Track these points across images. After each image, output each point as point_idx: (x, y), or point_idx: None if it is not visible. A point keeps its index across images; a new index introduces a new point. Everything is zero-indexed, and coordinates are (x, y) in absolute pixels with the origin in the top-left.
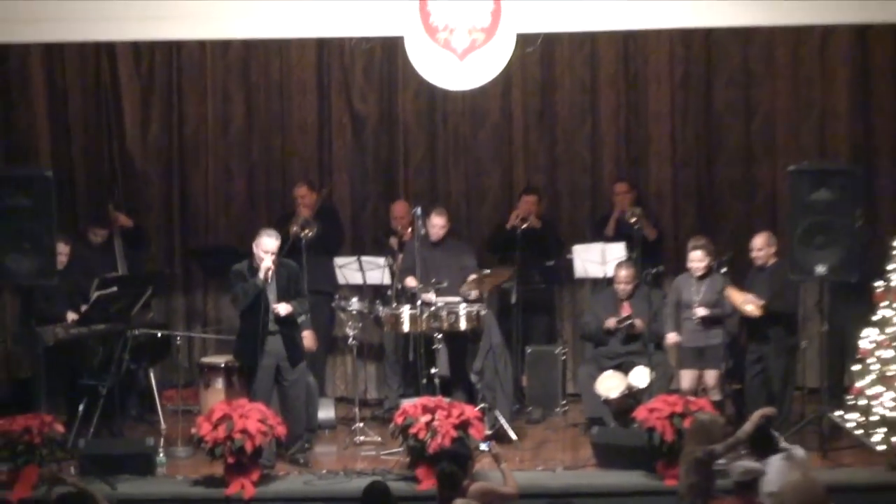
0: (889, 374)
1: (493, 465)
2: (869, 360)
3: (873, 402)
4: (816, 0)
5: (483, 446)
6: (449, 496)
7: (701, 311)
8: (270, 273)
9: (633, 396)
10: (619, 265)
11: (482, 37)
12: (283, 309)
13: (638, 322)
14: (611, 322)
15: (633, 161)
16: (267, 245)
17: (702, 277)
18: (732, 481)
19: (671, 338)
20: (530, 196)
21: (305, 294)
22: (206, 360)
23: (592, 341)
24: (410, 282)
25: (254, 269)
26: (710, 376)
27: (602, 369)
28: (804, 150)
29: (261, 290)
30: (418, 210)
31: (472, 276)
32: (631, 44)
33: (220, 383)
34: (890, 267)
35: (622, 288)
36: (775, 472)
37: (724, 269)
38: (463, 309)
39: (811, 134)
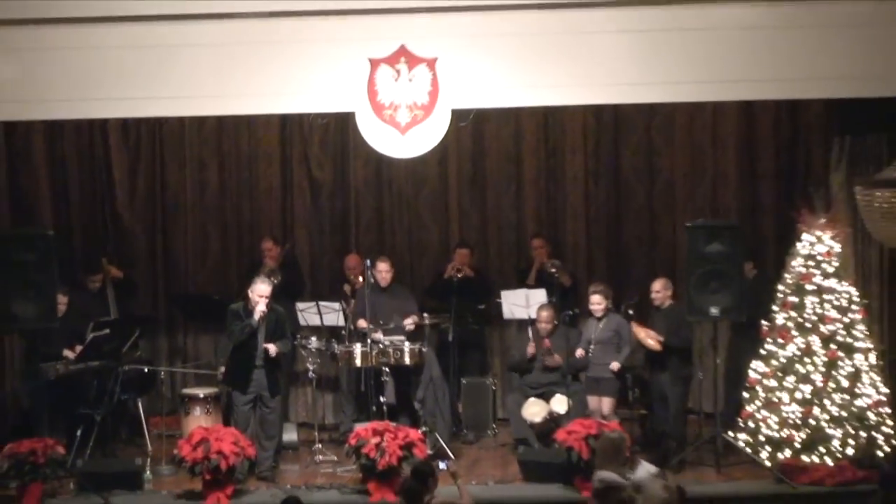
0: (774, 400)
1: (451, 482)
2: (757, 388)
3: (761, 425)
4: (708, 82)
5: (441, 465)
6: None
7: (615, 366)
8: (263, 315)
9: (553, 420)
10: (541, 308)
11: (422, 113)
12: (272, 349)
13: (557, 357)
14: (531, 348)
15: (553, 219)
16: (262, 291)
17: (601, 318)
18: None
19: (579, 352)
20: (464, 249)
21: (289, 336)
22: (187, 391)
23: (517, 371)
24: (362, 323)
25: (248, 311)
26: (606, 403)
27: (527, 397)
28: (699, 209)
29: (255, 330)
30: (368, 262)
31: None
32: (550, 118)
33: (198, 411)
34: (774, 308)
35: (543, 327)
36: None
37: (631, 311)
38: (407, 346)
39: (705, 195)
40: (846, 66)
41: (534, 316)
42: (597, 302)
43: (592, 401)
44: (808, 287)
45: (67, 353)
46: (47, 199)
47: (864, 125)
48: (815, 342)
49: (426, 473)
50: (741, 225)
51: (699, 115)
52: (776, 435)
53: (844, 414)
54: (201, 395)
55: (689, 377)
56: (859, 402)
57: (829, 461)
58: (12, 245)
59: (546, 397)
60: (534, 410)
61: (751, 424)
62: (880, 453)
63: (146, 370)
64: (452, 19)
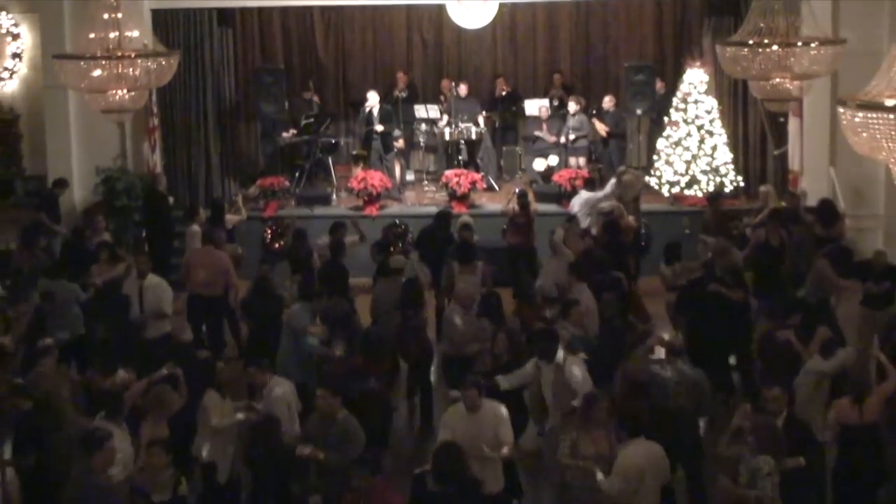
0: (670, 160)
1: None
2: (661, 154)
3: (662, 174)
4: None
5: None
6: (524, 213)
7: (583, 142)
8: (376, 111)
9: (551, 169)
10: (541, 107)
11: (482, 2)
12: (379, 127)
13: (550, 136)
14: (536, 130)
15: (553, 62)
16: (371, 98)
17: (575, 115)
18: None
19: (570, 136)
20: (502, 78)
21: (393, 121)
22: (355, 152)
23: (531, 141)
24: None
25: (370, 113)
26: (581, 161)
27: (536, 156)
28: (631, 57)
29: (370, 119)
30: (453, 83)
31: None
32: (550, 9)
33: (362, 163)
34: (672, 111)
35: (543, 116)
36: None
37: (594, 113)
38: (473, 129)
39: (634, 50)
40: None
41: (543, 114)
42: (573, 107)
43: (572, 160)
44: (690, 99)
45: (291, 132)
46: (280, 50)
47: (722, 10)
48: (693, 129)
49: (526, 194)
50: (653, 65)
51: (632, 5)
52: (672, 179)
53: (708, 168)
54: (356, 153)
55: (625, 147)
56: (716, 162)
57: (699, 193)
58: (261, 74)
59: (546, 156)
60: (539, 163)
61: (657, 173)
62: (726, 189)
63: (333, 140)
64: None
